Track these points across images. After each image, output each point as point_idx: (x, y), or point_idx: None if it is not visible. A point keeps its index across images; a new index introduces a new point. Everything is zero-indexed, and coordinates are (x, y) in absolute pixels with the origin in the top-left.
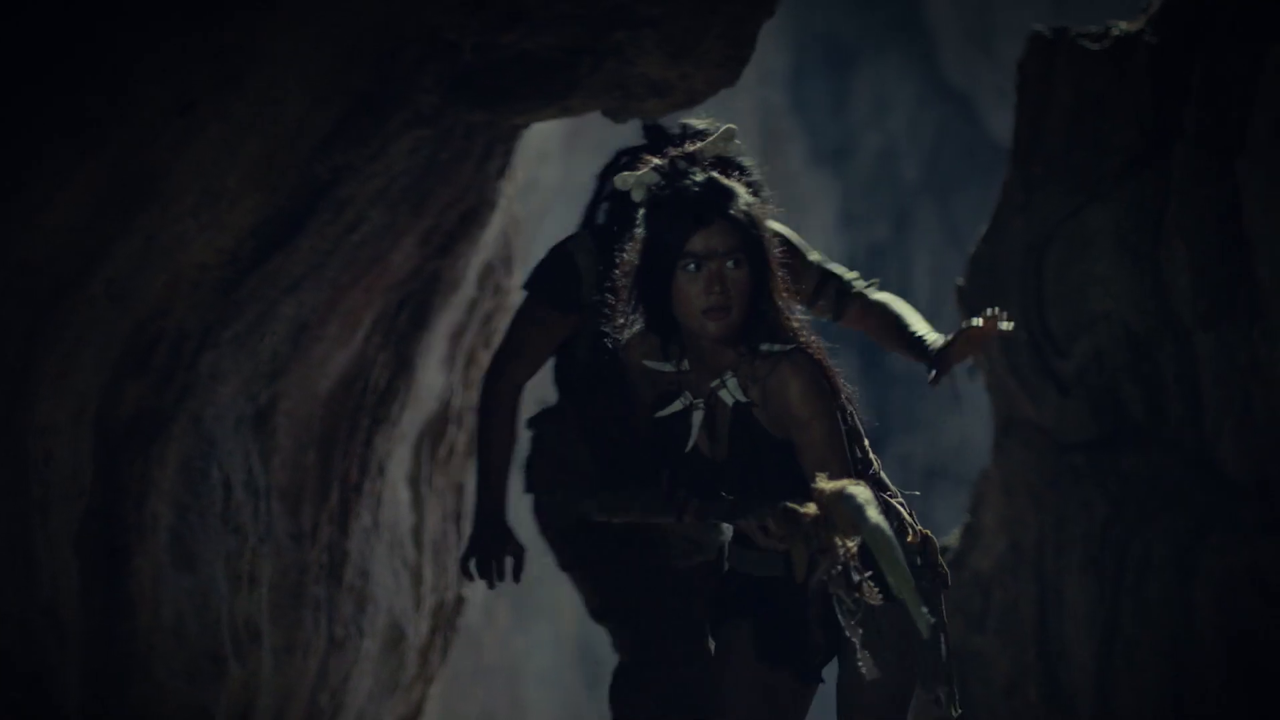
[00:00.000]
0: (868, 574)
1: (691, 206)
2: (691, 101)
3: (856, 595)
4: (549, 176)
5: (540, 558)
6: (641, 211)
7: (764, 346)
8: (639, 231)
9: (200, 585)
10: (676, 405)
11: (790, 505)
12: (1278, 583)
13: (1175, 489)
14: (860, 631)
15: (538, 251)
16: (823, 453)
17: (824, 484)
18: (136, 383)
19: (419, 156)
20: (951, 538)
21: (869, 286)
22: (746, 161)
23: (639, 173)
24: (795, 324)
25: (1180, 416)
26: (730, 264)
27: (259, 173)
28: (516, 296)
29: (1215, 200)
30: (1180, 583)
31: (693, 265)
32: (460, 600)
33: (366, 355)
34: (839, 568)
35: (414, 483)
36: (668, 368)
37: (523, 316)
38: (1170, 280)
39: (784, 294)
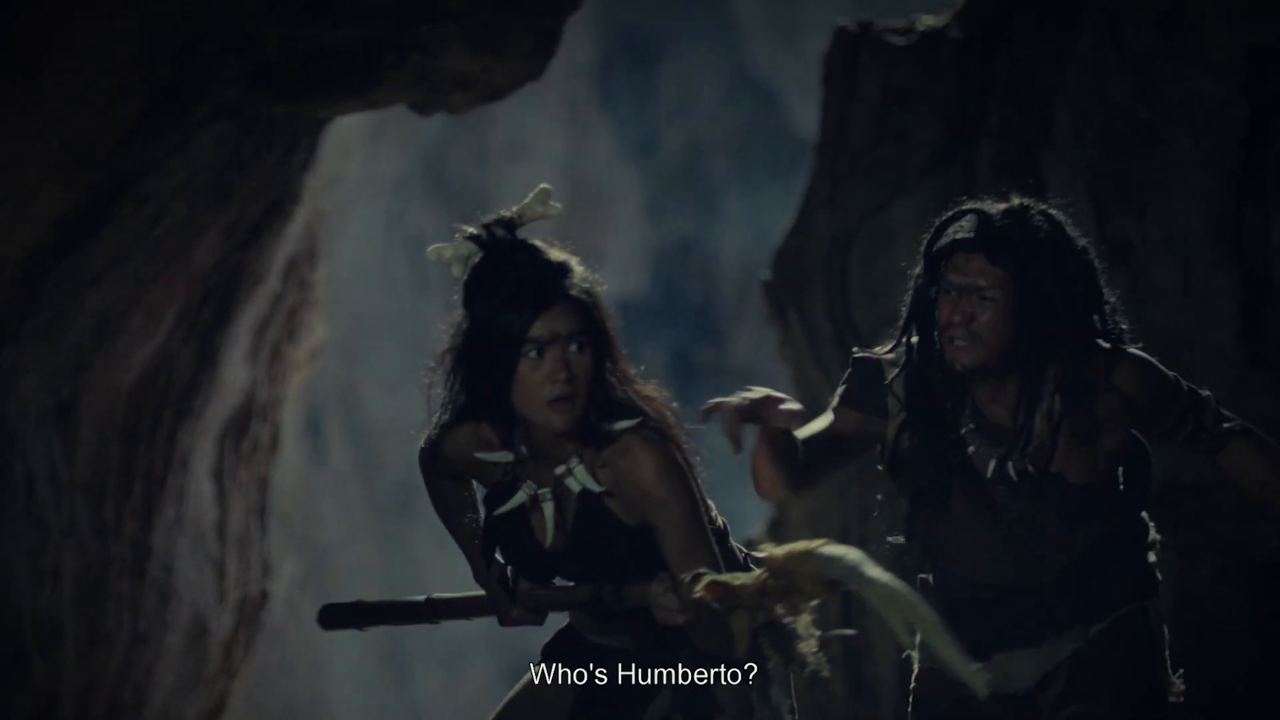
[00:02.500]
0: (816, 640)
1: (530, 289)
2: (497, 95)
3: (804, 664)
4: (353, 170)
5: (340, 549)
6: (463, 290)
7: (607, 426)
8: (461, 313)
9: (2, 580)
10: (521, 497)
11: (714, 576)
12: None
13: None
14: (789, 703)
15: (342, 245)
16: (686, 532)
17: (786, 549)
18: None
19: (222, 149)
20: (757, 532)
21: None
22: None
23: (453, 244)
24: (635, 392)
25: None
26: (574, 348)
27: (60, 165)
28: (322, 290)
29: (1020, 194)
30: None
31: (534, 352)
32: (264, 595)
33: (170, 349)
34: (789, 636)
35: (218, 477)
36: (505, 458)
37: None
38: None
39: (623, 364)
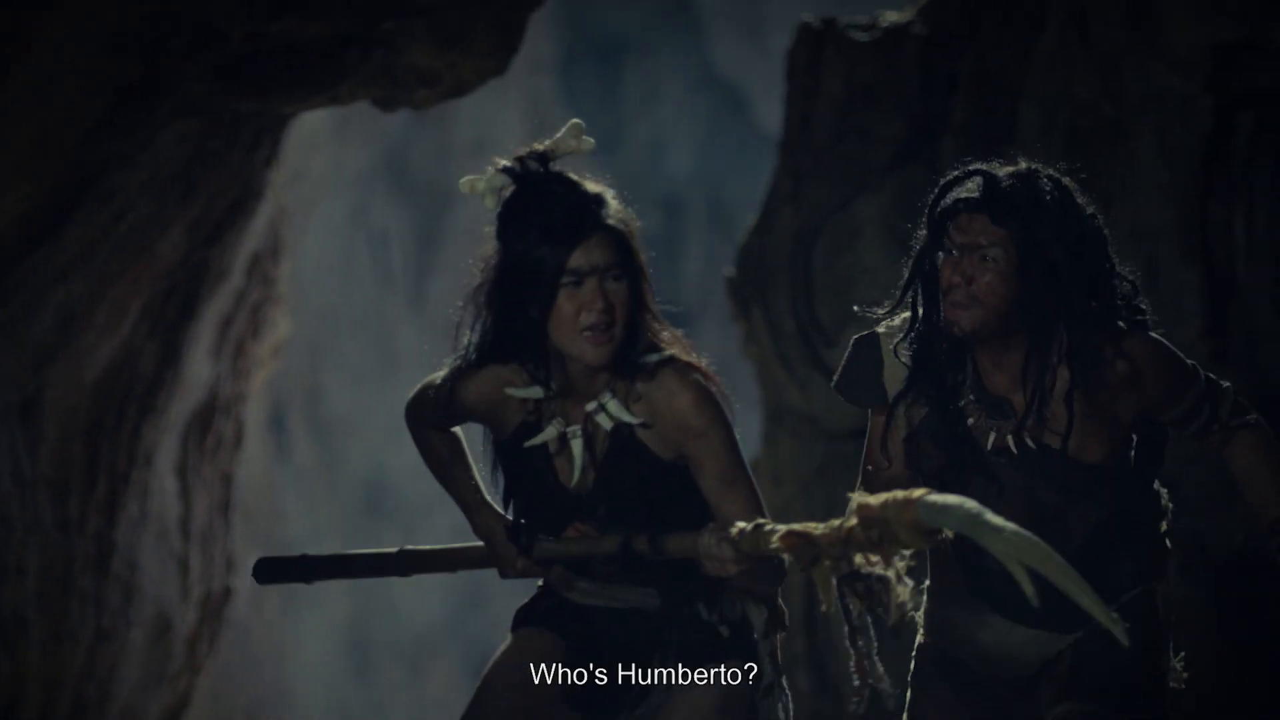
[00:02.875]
0: (908, 588)
1: (568, 219)
2: (461, 91)
3: (883, 612)
4: (318, 166)
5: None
6: (496, 223)
7: (641, 359)
8: (493, 248)
9: None
10: (550, 432)
11: (791, 527)
12: None
13: None
14: (869, 650)
15: (306, 241)
16: (727, 463)
17: (881, 497)
18: None
19: (187, 145)
20: None
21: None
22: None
23: (485, 175)
24: (666, 331)
25: None
26: (611, 279)
27: (27, 161)
28: (286, 286)
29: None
30: None
31: (573, 283)
32: (228, 590)
33: (134, 344)
34: (878, 585)
35: (181, 473)
36: (536, 394)
37: None
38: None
39: (653, 299)
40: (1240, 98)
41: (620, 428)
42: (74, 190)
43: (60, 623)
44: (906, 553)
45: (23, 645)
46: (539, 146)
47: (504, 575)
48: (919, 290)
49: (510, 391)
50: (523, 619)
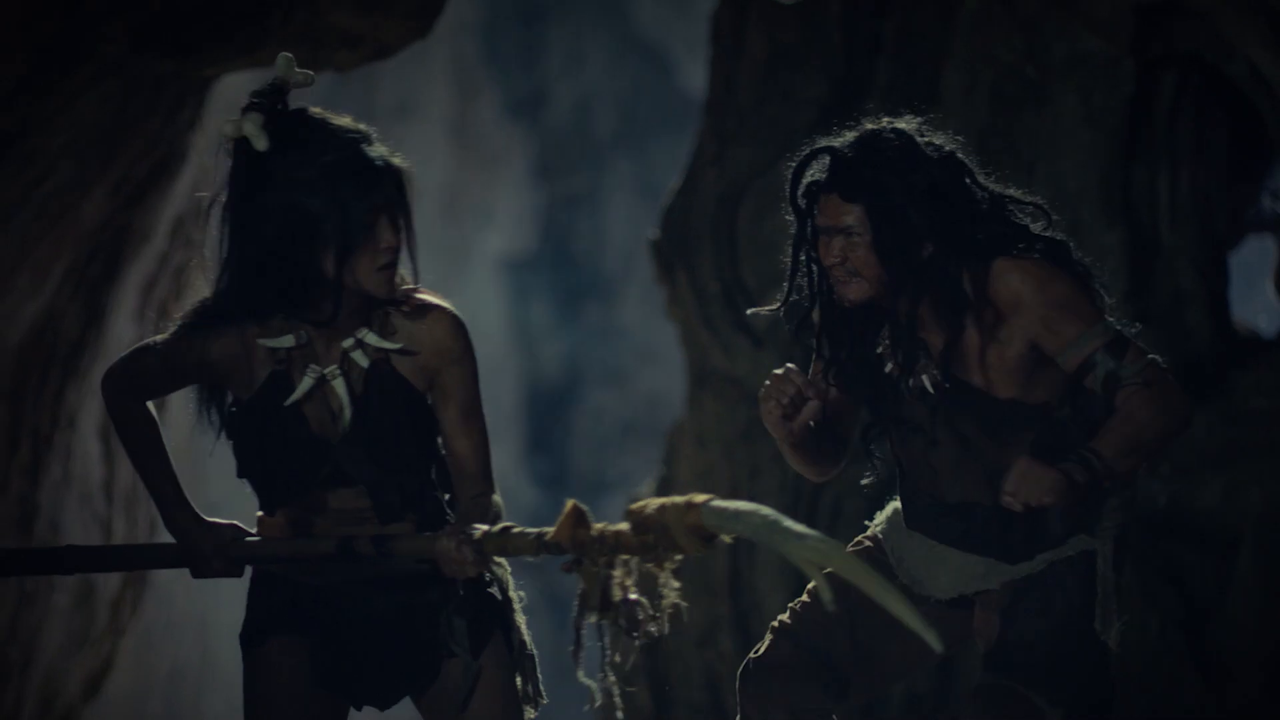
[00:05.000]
0: (677, 593)
1: (363, 161)
2: (384, 53)
3: (644, 624)
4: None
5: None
6: (260, 166)
7: (405, 293)
8: (256, 191)
9: None
10: (308, 381)
11: (559, 527)
12: None
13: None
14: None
15: None
16: (472, 393)
17: (659, 501)
18: None
19: (108, 107)
20: (645, 489)
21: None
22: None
23: (245, 117)
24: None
25: None
26: (402, 215)
27: None
28: (209, 251)
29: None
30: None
31: (370, 226)
32: None
33: (57, 307)
34: (630, 596)
35: (105, 436)
36: (287, 342)
37: None
38: None
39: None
40: (1162, 60)
41: (378, 363)
42: None
43: None
44: (679, 559)
45: None
46: (281, 80)
47: (196, 575)
48: (810, 274)
49: (262, 342)
50: (252, 634)
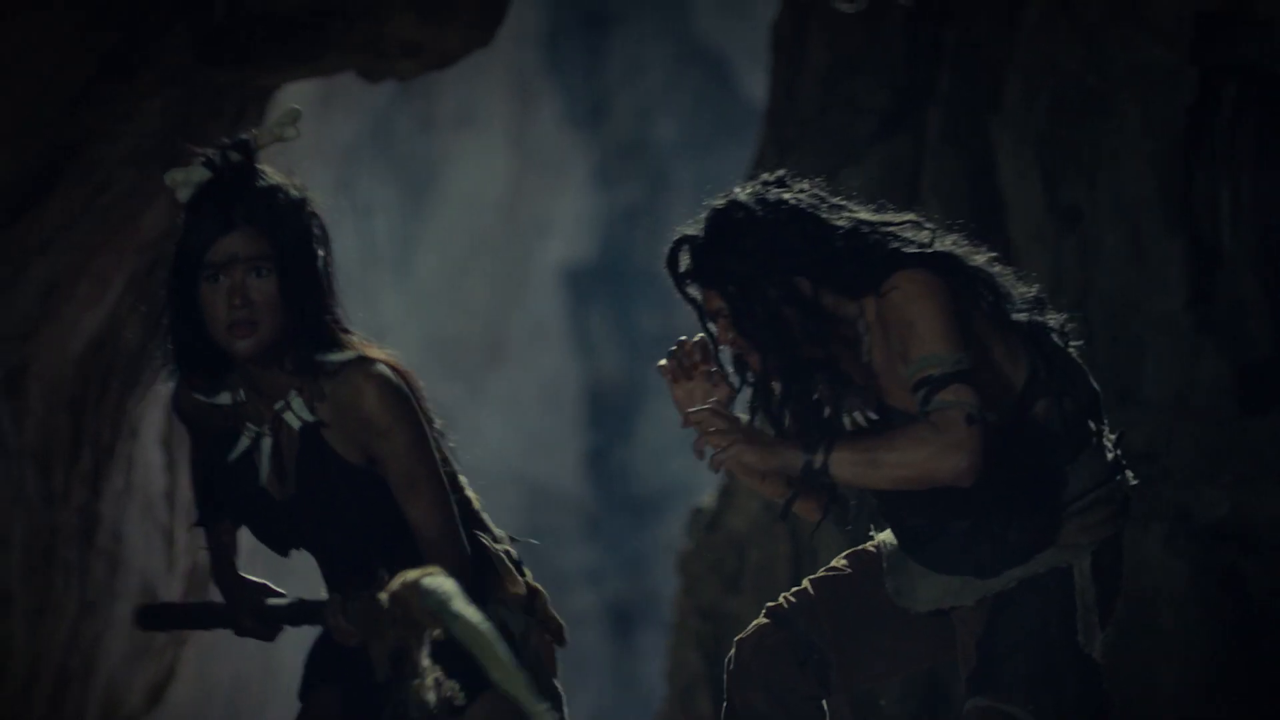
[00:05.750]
0: (450, 680)
1: (216, 210)
2: (445, 62)
3: (442, 696)
4: (303, 137)
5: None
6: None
7: (323, 357)
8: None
9: None
10: (244, 441)
11: (372, 596)
12: None
13: None
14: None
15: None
16: (410, 463)
17: (403, 575)
18: None
19: (170, 116)
20: (707, 498)
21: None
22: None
23: (189, 168)
24: (355, 336)
25: None
26: (252, 274)
27: (7, 133)
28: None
29: (969, 161)
30: None
31: (211, 276)
32: None
33: (118, 316)
34: (421, 669)
35: (167, 445)
36: (224, 400)
37: None
38: None
39: (334, 295)
40: (1223, 68)
41: (307, 429)
42: (56, 161)
43: (45, 596)
44: (433, 634)
45: (8, 617)
46: (244, 135)
47: (238, 633)
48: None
49: (198, 397)
50: (302, 685)
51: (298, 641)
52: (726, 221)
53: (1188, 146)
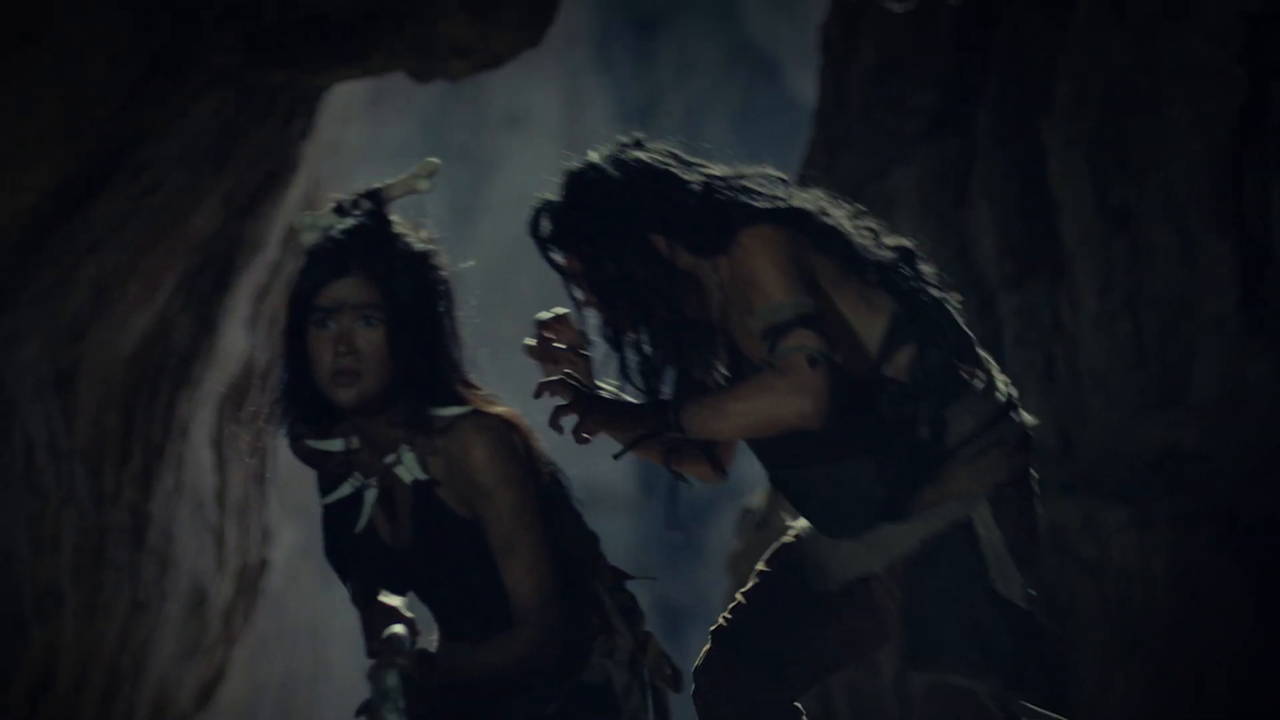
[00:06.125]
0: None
1: (331, 255)
2: (495, 62)
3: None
4: (353, 138)
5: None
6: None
7: (435, 412)
8: None
9: (1, 548)
10: (345, 488)
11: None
12: (1078, 541)
13: None
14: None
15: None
16: (510, 528)
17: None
18: None
19: (221, 117)
20: (756, 497)
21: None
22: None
23: (319, 213)
24: (472, 388)
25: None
26: (361, 322)
27: (58, 133)
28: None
29: (1018, 162)
30: None
31: (321, 321)
32: (264, 562)
33: (168, 317)
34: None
35: (217, 445)
36: (335, 446)
37: None
38: (974, 242)
39: (453, 350)
40: (1274, 69)
41: (419, 485)
42: (107, 162)
43: (95, 595)
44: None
45: (58, 617)
46: (376, 185)
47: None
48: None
49: (310, 443)
50: None
51: (347, 641)
52: (581, 183)
53: (1238, 146)
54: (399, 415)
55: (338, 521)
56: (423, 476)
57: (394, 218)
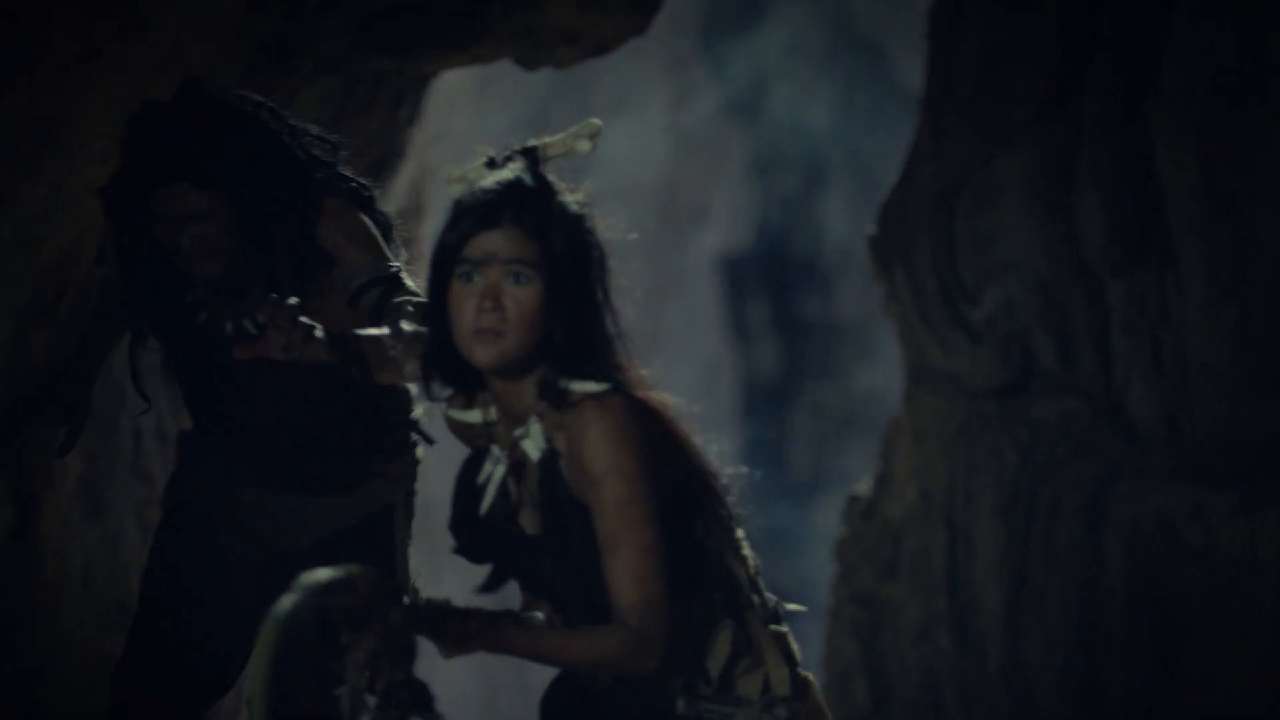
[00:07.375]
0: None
1: (483, 205)
2: (602, 50)
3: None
4: (460, 125)
5: None
6: None
7: (568, 384)
8: None
9: (109, 534)
10: (488, 467)
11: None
12: (1186, 529)
13: (1084, 437)
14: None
15: (448, 201)
16: (614, 523)
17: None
18: (43, 331)
19: (328, 105)
20: (862, 485)
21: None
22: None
23: (468, 165)
24: (626, 372)
25: (1090, 364)
26: (510, 279)
27: None
28: (428, 247)
29: (1126, 148)
30: (1089, 529)
31: (467, 274)
32: None
33: None
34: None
35: None
36: (475, 418)
37: None
38: (1081, 228)
39: (605, 322)
40: None
41: (545, 461)
42: None
43: None
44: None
45: None
46: (534, 141)
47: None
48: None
49: (450, 413)
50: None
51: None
52: (207, 112)
53: None
54: (536, 385)
55: (467, 498)
56: (545, 448)
57: (552, 177)
